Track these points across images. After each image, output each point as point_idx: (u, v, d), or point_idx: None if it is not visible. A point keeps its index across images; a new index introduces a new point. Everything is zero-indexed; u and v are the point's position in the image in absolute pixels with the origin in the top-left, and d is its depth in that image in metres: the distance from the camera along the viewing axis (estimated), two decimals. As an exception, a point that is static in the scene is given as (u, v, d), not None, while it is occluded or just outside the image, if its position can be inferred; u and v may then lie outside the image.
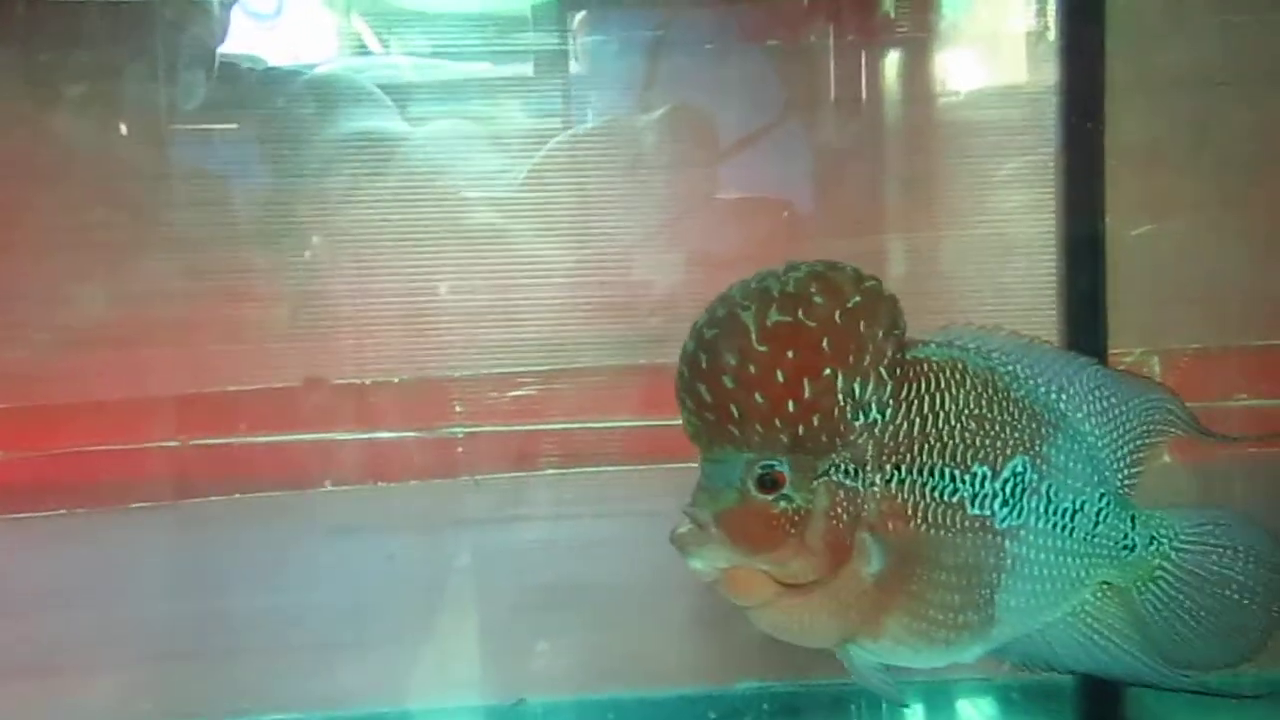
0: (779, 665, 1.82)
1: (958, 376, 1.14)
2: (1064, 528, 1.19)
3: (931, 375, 1.13)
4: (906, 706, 1.19)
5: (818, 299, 1.04)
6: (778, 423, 1.03)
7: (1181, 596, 1.24)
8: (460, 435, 1.88)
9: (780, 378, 1.02)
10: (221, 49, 1.85)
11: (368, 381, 1.87)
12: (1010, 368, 1.18)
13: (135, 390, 1.83)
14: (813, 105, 1.95)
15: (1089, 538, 1.21)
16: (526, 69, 1.93)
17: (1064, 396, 1.20)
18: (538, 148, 1.89)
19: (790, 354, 1.03)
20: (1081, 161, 1.78)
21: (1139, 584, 1.24)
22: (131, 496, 1.83)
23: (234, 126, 1.87)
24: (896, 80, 1.98)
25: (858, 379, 1.06)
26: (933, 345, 1.16)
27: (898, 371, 1.09)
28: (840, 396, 1.05)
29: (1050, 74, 1.83)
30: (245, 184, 1.86)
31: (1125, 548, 1.23)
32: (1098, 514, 1.21)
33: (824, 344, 1.04)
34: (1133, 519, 1.23)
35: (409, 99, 1.89)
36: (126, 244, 1.84)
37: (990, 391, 1.16)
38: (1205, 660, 1.25)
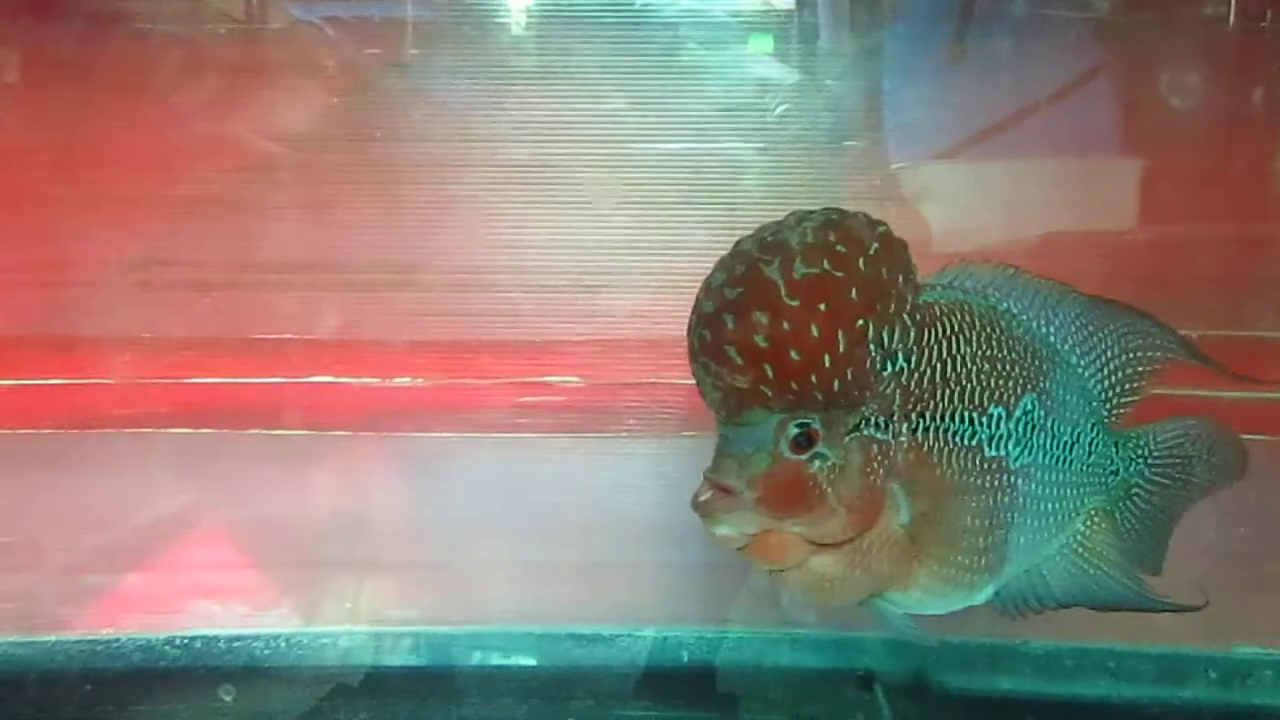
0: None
1: (967, 319, 1.12)
2: (1063, 460, 1.18)
3: (944, 319, 1.10)
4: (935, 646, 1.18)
5: (840, 248, 1.00)
6: (813, 379, 0.99)
7: (1150, 508, 1.24)
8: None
9: (815, 332, 0.98)
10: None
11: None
12: (1006, 304, 1.17)
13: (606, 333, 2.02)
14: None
15: (1084, 468, 1.20)
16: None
17: (1051, 329, 1.19)
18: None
19: (822, 306, 0.99)
20: None
21: (1119, 504, 1.24)
22: (612, 426, 2.03)
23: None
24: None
25: (885, 327, 1.03)
26: (938, 288, 1.14)
27: (917, 317, 1.07)
28: (871, 347, 1.03)
29: None
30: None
31: (1112, 473, 1.23)
32: (1090, 444, 1.21)
33: (853, 293, 1.00)
34: (1116, 444, 1.23)
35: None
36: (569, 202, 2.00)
37: (996, 331, 1.14)
38: (1159, 562, 1.25)
